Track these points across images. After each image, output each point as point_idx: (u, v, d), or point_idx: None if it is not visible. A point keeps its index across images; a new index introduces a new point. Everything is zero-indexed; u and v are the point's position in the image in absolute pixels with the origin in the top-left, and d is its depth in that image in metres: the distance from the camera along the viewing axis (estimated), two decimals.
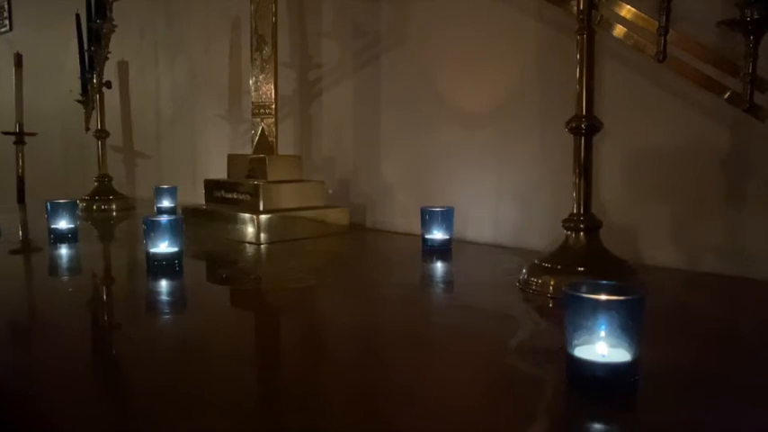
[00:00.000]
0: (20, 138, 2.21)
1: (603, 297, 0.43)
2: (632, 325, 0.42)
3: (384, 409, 0.43)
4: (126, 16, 1.74)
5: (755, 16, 0.62)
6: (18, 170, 2.23)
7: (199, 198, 1.32)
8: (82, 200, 1.63)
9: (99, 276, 0.91)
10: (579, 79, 0.71)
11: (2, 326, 0.65)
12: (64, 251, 1.05)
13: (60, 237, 1.12)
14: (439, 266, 0.93)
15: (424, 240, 1.00)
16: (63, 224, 1.13)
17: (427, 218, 1.00)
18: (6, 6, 2.90)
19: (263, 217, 1.08)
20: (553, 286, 0.70)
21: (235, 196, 1.19)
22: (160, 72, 1.97)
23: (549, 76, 0.99)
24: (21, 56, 2.21)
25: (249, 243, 1.08)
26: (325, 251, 1.06)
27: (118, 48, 1.74)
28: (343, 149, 1.36)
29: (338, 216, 1.20)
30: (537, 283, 0.71)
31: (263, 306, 0.73)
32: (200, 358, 0.53)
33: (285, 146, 1.38)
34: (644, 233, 0.89)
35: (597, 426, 0.40)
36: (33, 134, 2.22)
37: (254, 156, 1.22)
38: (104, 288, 0.84)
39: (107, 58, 1.67)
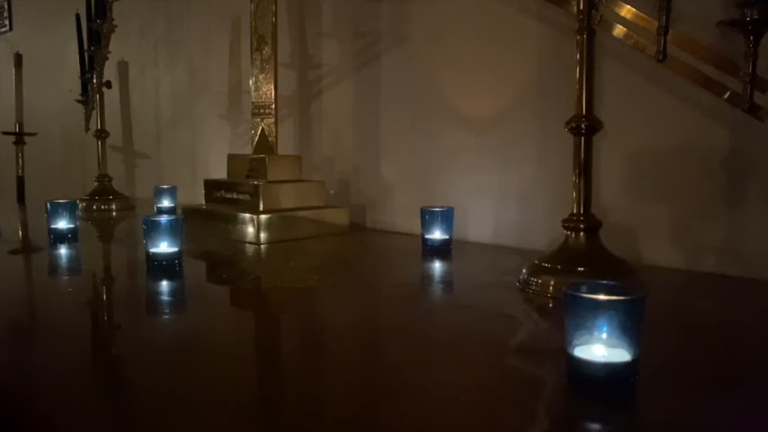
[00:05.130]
0: (20, 138, 2.21)
1: (603, 297, 0.43)
2: (632, 325, 0.42)
3: (384, 409, 0.43)
4: (126, 16, 1.74)
5: (755, 16, 0.62)
6: (18, 170, 2.23)
7: (199, 198, 1.32)
8: (82, 200, 1.63)
9: (99, 276, 0.91)
10: (579, 79, 0.71)
11: (2, 326, 0.65)
12: (64, 251, 1.05)
13: (60, 237, 1.12)
14: (439, 266, 0.93)
15: (424, 240, 1.00)
16: (63, 224, 1.13)
17: (427, 218, 1.00)
18: (6, 6, 2.90)
19: (263, 217, 1.08)
20: (553, 286, 0.70)
21: (235, 196, 1.19)
22: (160, 72, 1.97)
23: (549, 75, 0.99)
24: (21, 56, 2.20)
25: (249, 243, 1.08)
26: (325, 251, 1.06)
27: (118, 48, 1.74)
28: (343, 149, 1.36)
29: (338, 216, 1.20)
30: (537, 283, 0.71)
31: (263, 306, 0.73)
32: (200, 358, 0.53)
33: (285, 146, 1.38)
34: (644, 233, 0.89)
35: (597, 426, 0.40)
36: (33, 134, 2.22)
37: (254, 156, 1.22)
38: (104, 288, 0.84)
39: (107, 58, 1.67)
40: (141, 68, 2.03)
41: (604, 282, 0.46)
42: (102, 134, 1.71)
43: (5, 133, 2.19)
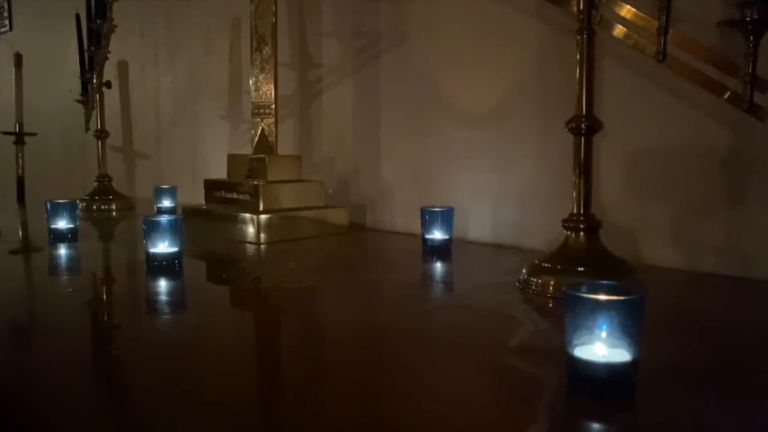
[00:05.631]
0: (20, 138, 2.21)
1: (603, 297, 0.43)
2: (632, 325, 0.42)
3: (384, 409, 0.43)
4: (126, 16, 1.74)
5: (755, 16, 0.63)
6: (18, 170, 2.23)
7: (199, 198, 1.32)
8: (82, 200, 1.63)
9: (99, 276, 0.91)
10: (579, 79, 0.71)
11: (2, 326, 0.65)
12: (64, 251, 1.05)
13: (60, 237, 1.12)
14: (439, 266, 0.93)
15: (424, 240, 1.00)
16: (63, 224, 1.13)
17: (427, 218, 1.00)
18: (6, 6, 2.90)
19: (263, 217, 1.08)
20: (553, 286, 0.70)
21: (235, 196, 1.19)
22: (160, 72, 1.97)
23: (548, 75, 0.99)
24: (21, 56, 2.20)
25: (249, 243, 1.08)
26: (326, 251, 1.06)
27: (118, 48, 1.74)
28: (344, 149, 1.36)
29: (338, 216, 1.20)
30: (537, 283, 0.71)
31: (263, 306, 0.73)
32: (200, 358, 0.53)
33: (285, 146, 1.38)
34: (644, 233, 0.89)
35: (597, 426, 0.40)
36: (33, 134, 2.22)
37: (254, 156, 1.22)
38: (104, 288, 0.84)
39: (107, 58, 1.68)
40: (141, 68, 2.03)
41: (604, 282, 0.46)
42: (102, 134, 1.71)
43: (5, 133, 2.19)
